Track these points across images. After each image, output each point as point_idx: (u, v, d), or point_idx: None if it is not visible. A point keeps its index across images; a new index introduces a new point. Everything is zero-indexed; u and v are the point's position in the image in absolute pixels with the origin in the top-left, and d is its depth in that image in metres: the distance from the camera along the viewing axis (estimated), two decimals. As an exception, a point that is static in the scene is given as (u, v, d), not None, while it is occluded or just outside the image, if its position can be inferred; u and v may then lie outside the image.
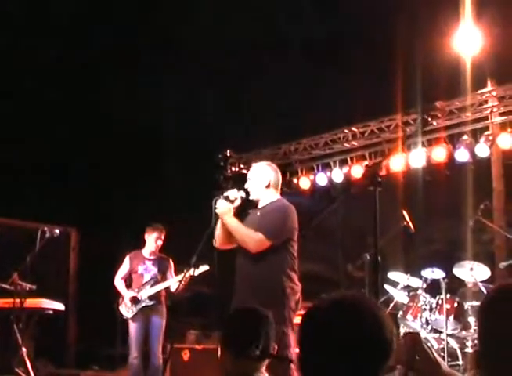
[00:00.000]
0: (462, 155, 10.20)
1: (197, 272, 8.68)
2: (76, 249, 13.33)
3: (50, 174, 12.51)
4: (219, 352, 3.72)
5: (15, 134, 11.86)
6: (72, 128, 12.33)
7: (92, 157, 12.63)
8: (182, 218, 11.39)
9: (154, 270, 9.33)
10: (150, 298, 9.13)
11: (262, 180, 6.21)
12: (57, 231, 8.46)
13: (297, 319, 9.91)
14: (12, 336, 8.47)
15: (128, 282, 9.46)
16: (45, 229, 8.39)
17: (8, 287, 8.60)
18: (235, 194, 6.12)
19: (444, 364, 2.54)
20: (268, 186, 6.22)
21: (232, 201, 6.08)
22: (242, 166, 12.73)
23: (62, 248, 12.63)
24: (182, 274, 8.42)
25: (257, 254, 5.91)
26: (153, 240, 9.39)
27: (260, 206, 6.22)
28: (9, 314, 8.59)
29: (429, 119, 9.89)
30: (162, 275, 9.31)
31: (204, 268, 8.81)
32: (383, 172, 10.92)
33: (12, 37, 10.99)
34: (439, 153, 10.44)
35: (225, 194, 6.09)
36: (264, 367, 3.64)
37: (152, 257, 9.41)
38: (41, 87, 11.67)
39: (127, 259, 9.54)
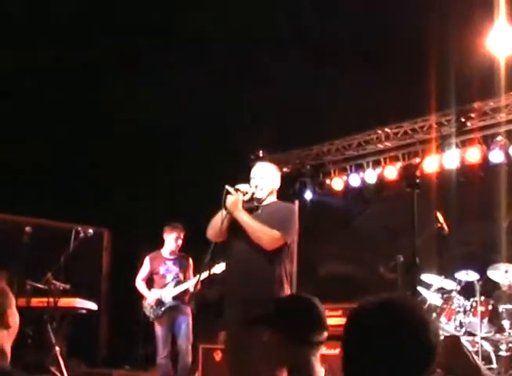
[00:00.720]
0: (496, 156, 10.12)
1: (216, 271, 8.74)
2: (108, 249, 13.39)
3: (84, 174, 12.55)
4: (270, 339, 3.66)
5: (45, 132, 11.92)
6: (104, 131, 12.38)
7: (123, 159, 12.65)
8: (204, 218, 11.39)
9: (176, 270, 9.34)
10: (174, 298, 9.14)
11: (274, 182, 6.27)
12: (91, 231, 8.52)
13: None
14: (46, 335, 8.52)
15: (150, 283, 9.47)
16: (79, 229, 8.46)
17: (42, 286, 8.67)
18: (246, 188, 6.11)
19: (484, 368, 2.51)
20: (274, 190, 6.29)
21: (243, 193, 6.07)
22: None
23: (94, 248, 12.69)
24: (202, 274, 8.50)
25: (259, 248, 5.87)
26: (172, 240, 9.40)
27: (263, 204, 6.21)
28: (42, 313, 8.66)
29: (464, 121, 9.88)
30: (183, 274, 9.31)
31: (222, 267, 8.85)
32: (416, 173, 10.93)
33: (12, 37, 11.00)
34: (473, 154, 10.36)
35: (237, 187, 6.08)
36: (320, 351, 3.62)
37: (172, 256, 9.42)
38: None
39: (147, 260, 9.55)
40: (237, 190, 6.04)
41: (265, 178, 6.22)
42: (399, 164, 11.20)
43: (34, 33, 11.15)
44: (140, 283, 9.45)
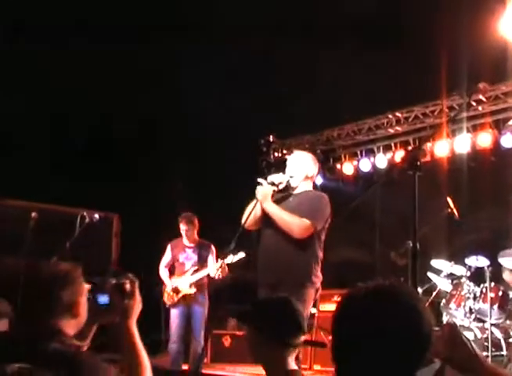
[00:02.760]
0: (507, 141, 10.05)
1: (234, 259, 8.77)
2: (118, 235, 13.36)
3: (93, 160, 12.54)
4: (248, 336, 3.69)
5: (60, 120, 11.91)
6: (115, 116, 12.34)
7: (133, 144, 12.62)
8: (221, 205, 11.35)
9: (194, 258, 9.33)
10: (191, 286, 9.13)
11: (307, 170, 6.34)
12: (96, 216, 8.45)
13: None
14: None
15: (172, 270, 9.48)
16: (84, 214, 8.39)
17: (48, 272, 8.63)
18: (280, 178, 6.22)
19: (483, 356, 2.45)
20: (309, 177, 6.35)
21: (277, 185, 6.17)
22: (284, 152, 12.66)
23: (104, 234, 12.66)
24: (221, 261, 8.47)
25: (291, 237, 5.97)
26: (183, 230, 9.42)
27: (295, 192, 6.31)
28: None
29: (472, 101, 9.80)
30: (203, 262, 9.29)
31: (241, 255, 8.84)
32: (427, 158, 10.86)
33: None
34: (484, 139, 10.30)
35: (271, 179, 6.18)
36: (295, 353, 3.60)
37: (192, 244, 9.41)
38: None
39: (168, 248, 9.59)
40: (272, 183, 6.16)
41: (299, 166, 6.32)
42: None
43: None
44: (163, 270, 9.49)
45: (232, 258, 8.89)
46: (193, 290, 9.12)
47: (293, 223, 5.96)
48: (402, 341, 2.09)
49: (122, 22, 11.06)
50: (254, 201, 6.18)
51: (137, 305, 3.40)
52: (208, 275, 9.16)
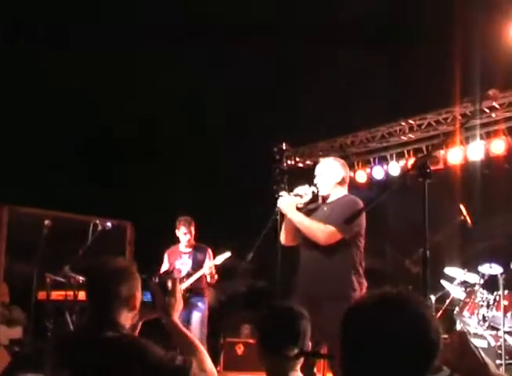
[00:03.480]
0: (521, 148, 10.00)
1: (220, 259, 8.84)
2: (131, 243, 13.38)
3: (108, 168, 12.57)
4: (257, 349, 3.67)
5: (72, 126, 11.94)
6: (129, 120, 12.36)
7: (147, 151, 12.65)
8: (234, 211, 11.37)
9: (190, 263, 9.34)
10: (186, 290, 9.11)
11: (334, 176, 6.27)
12: (109, 224, 8.48)
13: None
14: (66, 328, 8.52)
15: None
16: (97, 222, 8.43)
17: (62, 279, 8.67)
18: (305, 190, 6.20)
19: (492, 365, 2.43)
20: (339, 183, 6.28)
21: (300, 196, 6.16)
22: (297, 159, 12.67)
23: (117, 242, 12.69)
24: (212, 262, 8.58)
25: (325, 247, 5.93)
26: (181, 234, 9.44)
27: (328, 201, 6.26)
28: (62, 306, 8.65)
29: (484, 108, 9.76)
30: (199, 266, 9.29)
31: (226, 255, 8.90)
32: (440, 165, 10.83)
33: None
34: (498, 146, 10.25)
35: (296, 191, 6.18)
36: (299, 365, 3.58)
37: (187, 250, 9.44)
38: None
39: (165, 257, 9.63)
40: (295, 194, 6.14)
41: (324, 174, 6.27)
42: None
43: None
44: None
45: (220, 259, 8.98)
46: (190, 294, 9.08)
47: (317, 230, 5.94)
48: (410, 349, 2.07)
49: (122, 22, 11.09)
50: (286, 217, 6.18)
51: (178, 303, 3.61)
52: (207, 281, 9.19)
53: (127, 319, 3.44)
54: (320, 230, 5.93)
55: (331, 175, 6.24)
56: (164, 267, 9.54)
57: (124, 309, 3.41)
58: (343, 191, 6.30)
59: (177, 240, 9.55)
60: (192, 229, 9.43)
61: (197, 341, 3.48)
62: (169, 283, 3.60)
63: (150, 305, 3.61)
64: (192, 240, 9.45)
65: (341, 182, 6.30)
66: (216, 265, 9.22)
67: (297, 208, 6.19)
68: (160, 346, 3.31)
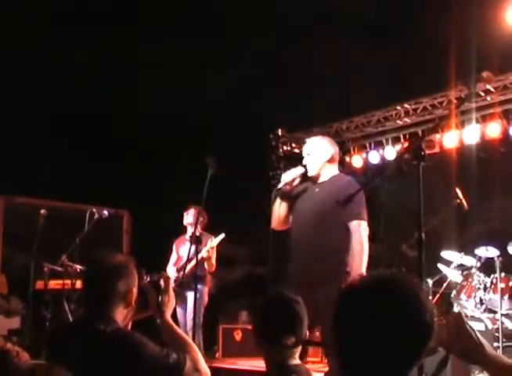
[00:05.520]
0: (517, 131, 9.99)
1: (216, 241, 8.79)
2: (128, 231, 13.39)
3: (105, 156, 12.53)
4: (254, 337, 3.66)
5: (68, 115, 11.92)
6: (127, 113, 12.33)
7: (144, 141, 12.62)
8: (230, 199, 11.35)
9: (192, 249, 9.32)
10: (183, 276, 9.09)
11: (323, 155, 6.08)
12: (106, 212, 8.50)
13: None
14: (63, 317, 8.54)
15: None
16: (94, 210, 8.44)
17: (59, 268, 8.68)
18: (292, 175, 6.04)
19: (488, 345, 2.43)
20: (329, 161, 6.08)
21: (289, 184, 6.02)
22: (293, 145, 12.66)
23: (114, 230, 12.70)
24: (209, 245, 8.57)
25: (319, 229, 5.78)
26: (186, 222, 9.43)
27: (319, 181, 6.09)
28: (60, 295, 8.68)
29: (479, 91, 9.75)
30: (198, 252, 9.27)
31: (221, 236, 8.88)
32: (436, 149, 10.84)
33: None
34: (494, 129, 10.24)
35: (283, 180, 6.01)
36: (298, 353, 3.58)
37: (190, 238, 9.41)
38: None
39: (174, 247, 9.60)
40: (284, 184, 6.01)
41: (312, 154, 6.09)
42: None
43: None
44: (170, 270, 9.45)
45: (216, 241, 8.95)
46: (187, 280, 9.01)
47: (365, 241, 5.78)
48: (404, 331, 2.07)
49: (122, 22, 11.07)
50: (278, 202, 6.06)
51: (171, 301, 3.58)
52: (208, 270, 9.18)
53: (122, 314, 3.43)
54: (358, 232, 5.75)
55: (320, 154, 6.05)
56: (173, 257, 9.53)
57: (120, 304, 3.41)
58: (333, 169, 6.13)
59: (184, 229, 9.53)
60: (198, 218, 9.34)
61: (191, 340, 3.48)
62: (161, 282, 3.59)
63: (142, 303, 3.57)
64: (199, 230, 9.32)
65: (331, 160, 6.09)
66: (216, 252, 9.16)
67: (285, 192, 6.07)
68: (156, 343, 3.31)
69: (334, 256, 5.75)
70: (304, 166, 6.09)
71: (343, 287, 2.24)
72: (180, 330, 3.54)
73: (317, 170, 6.07)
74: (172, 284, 8.80)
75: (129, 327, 3.61)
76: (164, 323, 3.51)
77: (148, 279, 3.71)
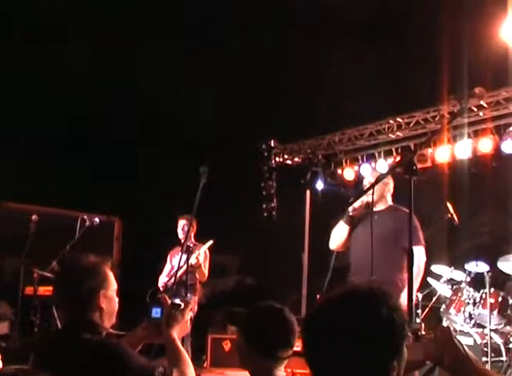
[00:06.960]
0: (509, 146, 10.01)
1: (204, 248, 8.80)
2: (119, 238, 13.37)
3: (95, 163, 12.54)
4: (237, 340, 3.60)
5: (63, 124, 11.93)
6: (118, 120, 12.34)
7: (135, 148, 12.63)
8: (224, 209, 11.36)
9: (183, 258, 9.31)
10: (173, 284, 9.07)
11: (387, 187, 6.69)
12: (97, 220, 8.50)
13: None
14: (53, 323, 8.52)
15: None
16: (85, 217, 8.44)
17: (49, 275, 8.66)
18: (359, 202, 6.40)
19: (476, 359, 2.44)
20: (383, 196, 6.67)
21: (359, 209, 6.48)
22: (286, 156, 12.68)
23: (105, 237, 12.67)
24: (197, 252, 8.56)
25: (382, 251, 6.01)
26: (180, 231, 9.39)
27: (377, 209, 6.43)
28: (49, 301, 8.64)
29: (472, 107, 9.79)
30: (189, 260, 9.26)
31: (209, 243, 8.88)
32: (428, 164, 10.87)
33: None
34: (485, 145, 10.28)
35: (352, 206, 6.44)
36: (284, 364, 3.55)
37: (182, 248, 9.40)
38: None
39: (168, 257, 9.57)
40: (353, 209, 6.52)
41: (378, 186, 6.23)
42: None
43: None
44: (163, 280, 9.42)
45: (204, 248, 8.94)
46: (178, 288, 9.02)
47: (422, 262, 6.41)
48: (372, 345, 2.05)
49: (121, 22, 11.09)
50: (340, 225, 6.54)
51: (184, 323, 3.52)
52: (200, 280, 9.16)
53: (100, 318, 3.35)
54: (423, 262, 6.46)
55: (384, 186, 6.59)
56: (167, 268, 9.50)
57: (91, 307, 3.32)
58: (390, 200, 6.74)
59: (179, 241, 9.53)
60: (189, 228, 9.33)
61: (189, 360, 3.39)
62: (181, 303, 3.56)
63: (158, 323, 3.50)
64: (192, 241, 9.31)
65: (389, 193, 6.74)
66: (207, 260, 9.14)
67: (350, 216, 6.54)
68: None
69: (394, 275, 6.23)
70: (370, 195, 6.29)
71: (318, 299, 2.25)
72: (183, 350, 3.45)
73: (380, 199, 6.55)
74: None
75: (139, 348, 3.57)
76: (168, 338, 3.44)
77: (171, 301, 3.65)
